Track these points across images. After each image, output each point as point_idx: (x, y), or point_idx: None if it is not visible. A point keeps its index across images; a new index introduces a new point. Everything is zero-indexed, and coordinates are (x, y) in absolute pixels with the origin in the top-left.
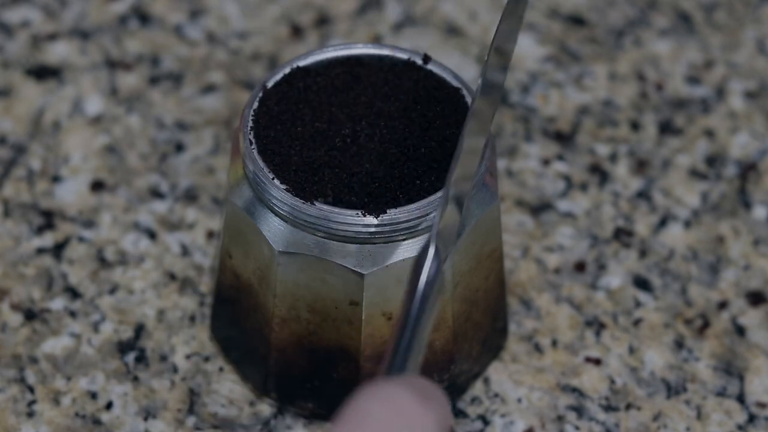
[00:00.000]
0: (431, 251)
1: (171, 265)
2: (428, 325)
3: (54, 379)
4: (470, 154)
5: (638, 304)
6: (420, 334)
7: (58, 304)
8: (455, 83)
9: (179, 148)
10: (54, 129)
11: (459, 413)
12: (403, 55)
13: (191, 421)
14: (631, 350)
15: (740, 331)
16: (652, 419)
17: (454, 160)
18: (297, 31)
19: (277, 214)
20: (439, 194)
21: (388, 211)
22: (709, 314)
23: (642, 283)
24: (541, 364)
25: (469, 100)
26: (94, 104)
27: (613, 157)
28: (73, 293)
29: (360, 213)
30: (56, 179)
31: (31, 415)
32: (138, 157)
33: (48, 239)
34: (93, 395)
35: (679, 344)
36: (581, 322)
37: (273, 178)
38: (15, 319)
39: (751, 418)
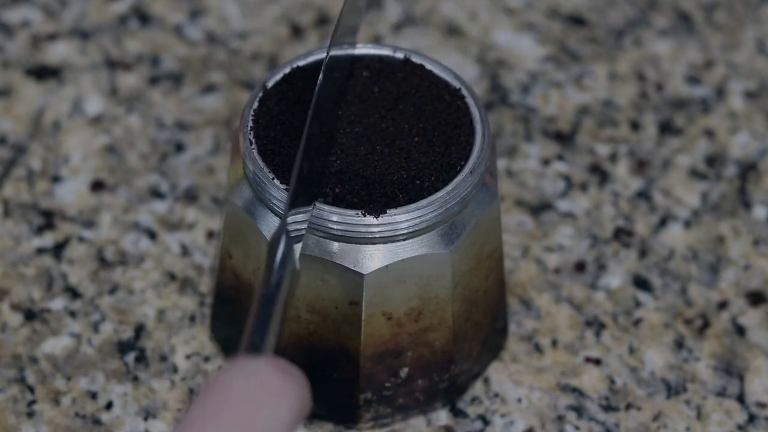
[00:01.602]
0: (283, 233)
1: (171, 265)
2: (283, 304)
3: (54, 379)
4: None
5: (638, 304)
6: (276, 314)
7: (58, 304)
8: (455, 83)
9: (179, 148)
10: (54, 129)
11: (459, 413)
12: (403, 56)
13: None
14: (631, 350)
15: (740, 331)
16: (652, 419)
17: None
18: (297, 31)
19: (277, 214)
20: (439, 194)
21: (388, 211)
22: (709, 314)
23: (642, 283)
24: (541, 364)
25: (470, 100)
26: (94, 104)
27: (613, 157)
28: (73, 293)
29: (360, 213)
30: (56, 179)
31: (31, 415)
32: (138, 157)
33: (48, 239)
34: (93, 395)
35: (679, 344)
36: (581, 322)
37: (273, 178)
38: (15, 319)
39: (751, 418)
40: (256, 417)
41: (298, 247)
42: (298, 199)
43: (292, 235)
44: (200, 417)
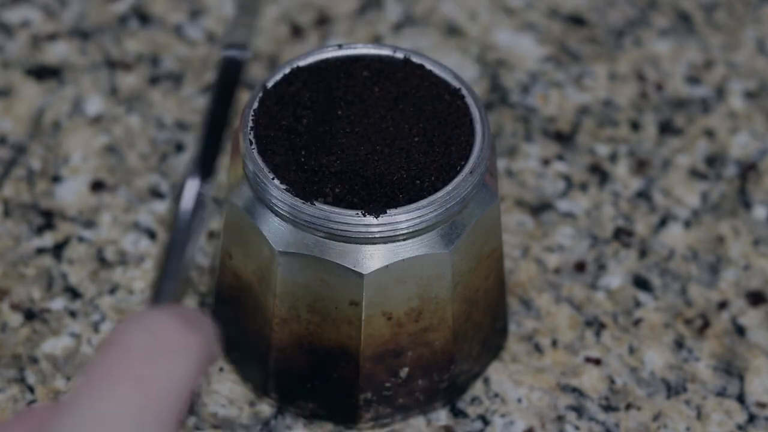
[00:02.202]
0: (192, 180)
1: None
2: (190, 253)
3: (54, 379)
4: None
5: (638, 304)
6: (182, 263)
7: (58, 304)
8: (455, 83)
9: (179, 148)
10: (54, 129)
11: (459, 413)
12: (403, 56)
13: (191, 421)
14: (631, 350)
15: (740, 331)
16: (652, 419)
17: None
18: (297, 31)
19: (277, 214)
20: (439, 194)
21: (388, 211)
22: (709, 314)
23: (642, 283)
24: (541, 364)
25: (470, 100)
26: (94, 104)
27: (613, 157)
28: (73, 293)
29: (360, 213)
30: (56, 179)
31: None
32: (138, 157)
33: (48, 239)
34: None
35: (679, 344)
36: (581, 322)
37: (273, 178)
38: (15, 319)
39: (751, 418)
40: (154, 373)
41: (208, 189)
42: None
43: (203, 177)
44: (96, 375)
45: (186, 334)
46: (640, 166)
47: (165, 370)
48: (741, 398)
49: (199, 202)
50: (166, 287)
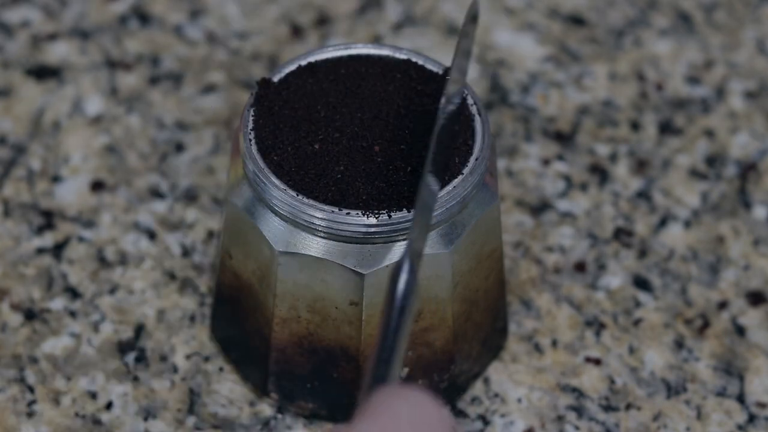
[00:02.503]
0: (406, 264)
1: (171, 265)
2: (406, 335)
3: (54, 379)
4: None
5: (638, 304)
6: (400, 344)
7: (58, 304)
8: None
9: (179, 148)
10: (54, 129)
11: (459, 413)
12: (403, 56)
13: (191, 421)
14: (631, 350)
15: (740, 331)
16: (652, 419)
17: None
18: (297, 31)
19: (277, 214)
20: (439, 194)
21: (388, 211)
22: (709, 314)
23: (642, 283)
24: (541, 364)
25: (470, 100)
26: (94, 104)
27: (613, 157)
28: (73, 293)
29: (360, 213)
30: (56, 179)
31: (31, 415)
32: (138, 157)
33: (48, 239)
34: (93, 395)
35: (679, 344)
36: (581, 322)
37: (273, 178)
38: (15, 319)
39: (751, 418)
40: None
41: (417, 273)
42: (423, 226)
43: (415, 260)
44: None
45: (443, 413)
46: (640, 166)
47: None
48: (741, 398)
49: (412, 287)
50: (388, 369)
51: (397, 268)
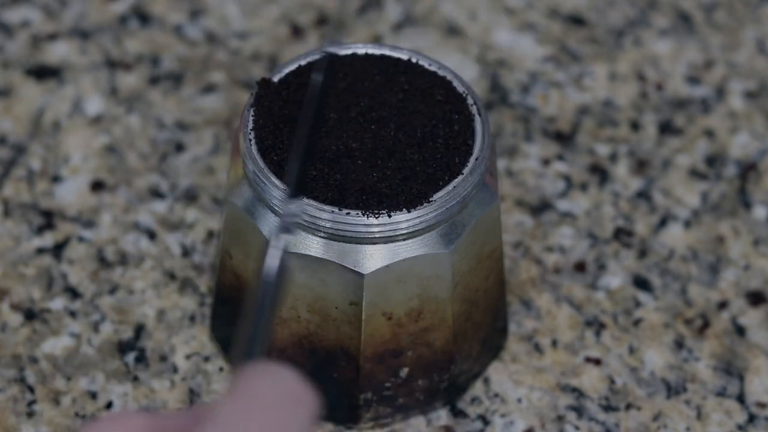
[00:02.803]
0: (275, 240)
1: (171, 265)
2: (274, 313)
3: (54, 379)
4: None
5: (638, 304)
6: (266, 322)
7: (58, 304)
8: (456, 83)
9: (179, 148)
10: (54, 129)
11: (459, 413)
12: (403, 56)
13: None
14: (631, 350)
15: (740, 331)
16: (652, 419)
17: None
18: (297, 31)
19: (277, 214)
20: (439, 194)
21: (388, 211)
22: (709, 314)
23: (642, 283)
24: (541, 364)
25: (470, 100)
26: (94, 104)
27: (613, 157)
28: (73, 293)
29: (360, 213)
30: (56, 179)
31: (31, 415)
32: (138, 157)
33: (48, 239)
34: (93, 395)
35: (679, 344)
36: (581, 322)
37: (273, 178)
38: (15, 319)
39: (751, 418)
40: (287, 423)
41: (290, 248)
42: (294, 199)
43: (287, 235)
44: (232, 418)
45: (306, 390)
46: (640, 166)
47: (294, 422)
48: (741, 398)
49: (283, 259)
50: (257, 347)
51: (266, 245)
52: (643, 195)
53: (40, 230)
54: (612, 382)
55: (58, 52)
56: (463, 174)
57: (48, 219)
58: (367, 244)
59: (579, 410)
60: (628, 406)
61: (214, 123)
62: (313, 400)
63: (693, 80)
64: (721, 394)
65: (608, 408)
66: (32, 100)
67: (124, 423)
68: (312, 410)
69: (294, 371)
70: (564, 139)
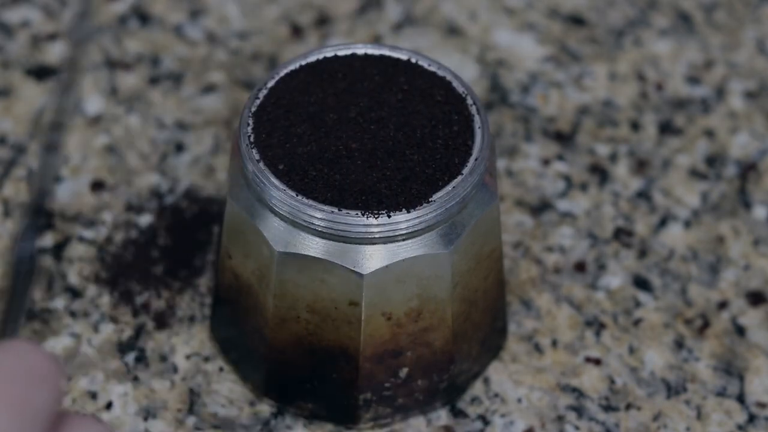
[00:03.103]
0: (24, 230)
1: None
2: (26, 296)
3: None
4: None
5: (638, 304)
6: (24, 303)
7: (58, 304)
8: (455, 83)
9: (179, 148)
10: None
11: (459, 413)
12: (403, 56)
13: (191, 421)
14: (631, 350)
15: (740, 331)
16: (652, 419)
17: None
18: (297, 31)
19: (277, 214)
20: (439, 194)
21: (387, 211)
22: (709, 314)
23: (642, 283)
24: (541, 364)
25: (469, 100)
26: (94, 104)
27: (613, 157)
28: (73, 293)
29: (359, 213)
30: (56, 179)
31: None
32: (138, 157)
33: (48, 239)
34: (93, 395)
35: (679, 344)
36: (581, 322)
37: (273, 178)
38: None
39: (751, 418)
40: (32, 397)
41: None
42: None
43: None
44: None
45: (53, 365)
46: (640, 166)
47: (39, 396)
48: (741, 398)
49: (30, 250)
50: (15, 326)
51: (22, 228)
52: (643, 195)
53: (40, 230)
54: (612, 382)
55: (58, 52)
56: (462, 174)
57: (48, 219)
58: (366, 244)
59: (579, 410)
60: (628, 406)
61: (214, 123)
62: (58, 374)
63: (693, 80)
64: (721, 394)
65: (608, 408)
66: (32, 100)
67: None
68: (56, 385)
69: (37, 345)
70: (564, 139)
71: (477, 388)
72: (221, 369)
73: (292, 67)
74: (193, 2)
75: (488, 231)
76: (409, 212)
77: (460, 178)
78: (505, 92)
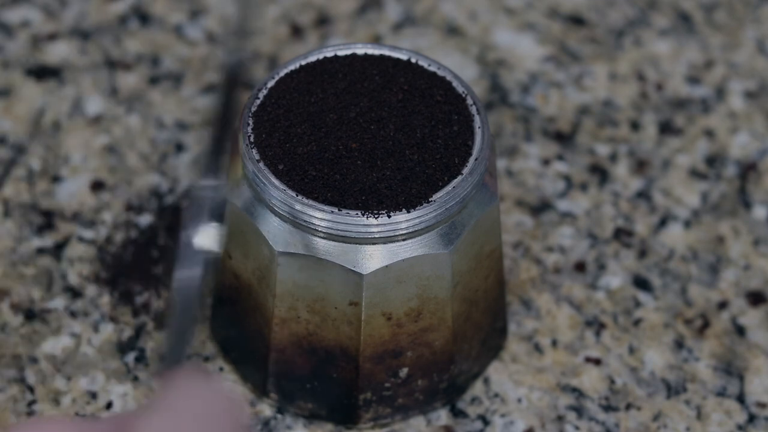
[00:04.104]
0: (188, 249)
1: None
2: (196, 317)
3: (54, 379)
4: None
5: (638, 304)
6: (188, 326)
7: (58, 304)
8: (455, 83)
9: (179, 148)
10: (54, 129)
11: (459, 413)
12: (403, 56)
13: None
14: (631, 350)
15: (740, 331)
16: (652, 419)
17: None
18: (297, 31)
19: (276, 214)
20: (439, 194)
21: (387, 211)
22: (709, 314)
23: (642, 283)
24: (541, 364)
25: (469, 100)
26: (94, 104)
27: (613, 157)
28: (73, 293)
29: (359, 213)
30: (56, 179)
31: (31, 415)
32: (138, 157)
33: (48, 239)
34: (93, 395)
35: (679, 344)
36: (581, 322)
37: (273, 178)
38: (15, 319)
39: (751, 418)
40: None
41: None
42: (209, 187)
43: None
44: (161, 428)
45: (235, 397)
46: (640, 166)
47: (220, 430)
48: (741, 398)
49: (198, 277)
50: (184, 350)
51: (180, 252)
52: (643, 195)
53: (40, 230)
54: (612, 382)
55: (58, 52)
56: (462, 174)
57: (48, 219)
58: (366, 244)
59: (579, 410)
60: (628, 406)
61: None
62: (243, 410)
63: (693, 80)
64: (721, 394)
65: (608, 408)
66: (32, 100)
67: (45, 428)
68: (242, 420)
69: (223, 379)
70: (564, 139)
71: (477, 388)
72: (221, 369)
73: (292, 67)
74: (193, 2)
75: (488, 231)
76: (409, 212)
77: (460, 178)
78: (505, 92)
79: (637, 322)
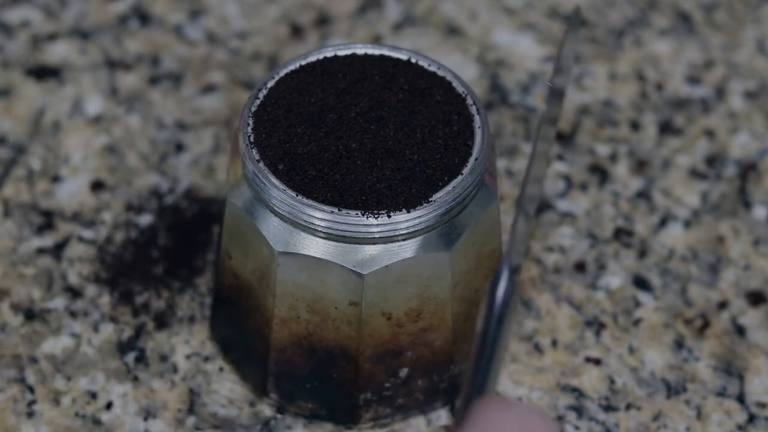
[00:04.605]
0: (505, 272)
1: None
2: (506, 344)
3: (54, 379)
4: (541, 161)
5: (638, 304)
6: (499, 353)
7: (58, 304)
8: (455, 83)
9: (179, 148)
10: (54, 129)
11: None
12: (403, 56)
13: (191, 421)
14: (631, 350)
15: (740, 331)
16: (652, 419)
17: (527, 172)
18: (297, 31)
19: (276, 214)
20: (438, 194)
21: (387, 211)
22: (709, 314)
23: (642, 283)
24: (541, 364)
25: (469, 100)
26: (94, 104)
27: (613, 157)
28: (73, 293)
29: (360, 213)
30: (56, 179)
31: (31, 415)
32: (138, 157)
33: (48, 239)
34: (93, 395)
35: (679, 344)
36: (581, 322)
37: (273, 178)
38: (15, 319)
39: (751, 418)
40: None
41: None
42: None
43: (514, 269)
44: None
45: (548, 424)
46: (640, 166)
47: None
48: (741, 398)
49: (511, 295)
50: (486, 380)
51: (495, 277)
52: (643, 195)
53: (40, 230)
54: (612, 382)
55: (58, 52)
56: (462, 174)
57: (48, 219)
58: (366, 244)
59: (579, 410)
60: (628, 406)
61: (214, 123)
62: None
63: (693, 80)
64: (721, 394)
65: (608, 408)
66: (32, 100)
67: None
68: None
69: (534, 407)
70: (564, 139)
71: None
72: (221, 369)
73: (292, 67)
74: (193, 2)
75: (488, 231)
76: (409, 212)
77: (460, 178)
78: (505, 92)
79: (637, 322)
